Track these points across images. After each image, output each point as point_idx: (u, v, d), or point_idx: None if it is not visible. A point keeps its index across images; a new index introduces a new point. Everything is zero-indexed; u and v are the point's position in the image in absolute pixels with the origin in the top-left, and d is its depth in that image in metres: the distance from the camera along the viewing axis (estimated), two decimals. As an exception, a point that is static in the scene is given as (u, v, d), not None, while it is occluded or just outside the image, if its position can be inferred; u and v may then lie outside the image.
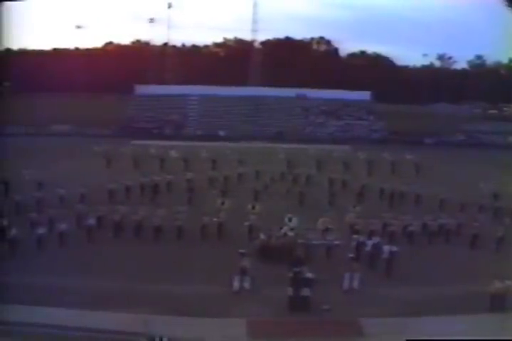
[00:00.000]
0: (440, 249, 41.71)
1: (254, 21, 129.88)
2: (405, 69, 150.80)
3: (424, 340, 26.97)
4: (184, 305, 30.98)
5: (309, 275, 31.56)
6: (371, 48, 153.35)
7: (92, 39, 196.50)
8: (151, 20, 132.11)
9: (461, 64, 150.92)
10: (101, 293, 32.19)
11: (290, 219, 44.32)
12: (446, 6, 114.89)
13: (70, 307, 29.84)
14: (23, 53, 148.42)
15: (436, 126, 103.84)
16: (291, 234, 41.20)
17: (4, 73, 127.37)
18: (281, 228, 42.26)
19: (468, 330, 27.53)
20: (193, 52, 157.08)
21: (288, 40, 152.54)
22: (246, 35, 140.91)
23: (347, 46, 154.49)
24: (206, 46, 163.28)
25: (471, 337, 25.90)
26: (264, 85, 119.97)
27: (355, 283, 33.80)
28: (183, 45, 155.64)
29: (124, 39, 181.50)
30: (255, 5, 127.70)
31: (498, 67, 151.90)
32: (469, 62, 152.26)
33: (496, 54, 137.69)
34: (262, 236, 40.63)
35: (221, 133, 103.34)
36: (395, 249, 37.29)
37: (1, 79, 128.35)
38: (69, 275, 34.52)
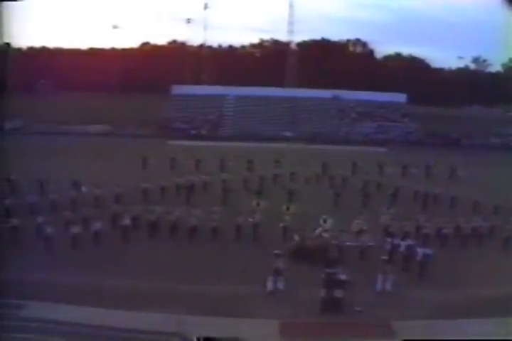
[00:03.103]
0: (473, 251, 41.69)
1: (290, 22, 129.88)
2: (440, 72, 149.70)
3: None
4: (218, 305, 31.33)
5: (342, 276, 31.77)
6: (407, 50, 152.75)
7: (128, 39, 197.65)
8: (188, 21, 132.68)
9: (495, 67, 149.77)
10: (135, 292, 32.64)
11: (325, 221, 44.47)
12: (481, 8, 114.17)
13: (103, 306, 30.35)
14: (61, 52, 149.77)
15: (470, 129, 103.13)
16: (325, 235, 41.47)
17: (41, 71, 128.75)
18: (315, 229, 42.60)
19: (499, 333, 27.58)
20: (230, 52, 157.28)
21: (324, 41, 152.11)
22: (282, 36, 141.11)
23: (383, 48, 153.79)
24: (242, 47, 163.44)
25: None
26: (299, 86, 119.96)
27: (388, 285, 33.97)
28: (220, 46, 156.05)
29: (161, 39, 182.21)
30: (291, 6, 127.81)
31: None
32: (504, 65, 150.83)
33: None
34: (296, 237, 40.96)
35: (256, 134, 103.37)
36: (428, 251, 37.39)
37: (38, 77, 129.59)
38: (103, 274, 35.13)
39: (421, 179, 64.07)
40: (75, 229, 41.19)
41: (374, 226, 44.33)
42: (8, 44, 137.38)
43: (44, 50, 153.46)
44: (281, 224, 44.19)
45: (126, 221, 44.09)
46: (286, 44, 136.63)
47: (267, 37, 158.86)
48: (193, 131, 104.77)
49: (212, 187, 59.03)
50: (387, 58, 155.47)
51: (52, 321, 28.28)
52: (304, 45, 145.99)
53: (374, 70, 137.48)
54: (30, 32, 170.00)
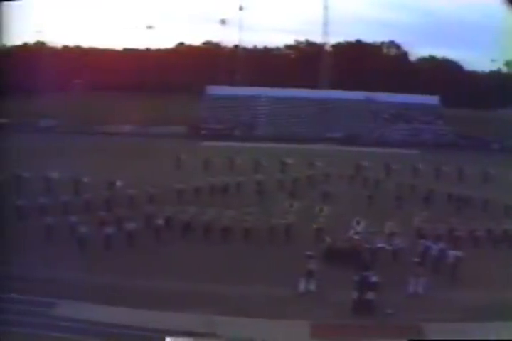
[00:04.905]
0: (505, 254, 41.56)
1: (325, 24, 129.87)
2: (473, 74, 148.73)
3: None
4: (250, 306, 31.56)
5: (374, 278, 31.92)
6: (440, 53, 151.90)
7: (163, 40, 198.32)
8: (223, 22, 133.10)
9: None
10: (167, 293, 32.92)
11: (358, 223, 44.58)
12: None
13: (135, 306, 30.67)
14: (95, 52, 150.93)
15: (503, 131, 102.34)
16: (357, 237, 41.60)
17: (74, 71, 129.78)
18: (348, 231, 42.76)
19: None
20: (264, 54, 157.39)
21: (358, 43, 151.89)
22: (316, 38, 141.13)
23: (416, 50, 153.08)
24: (277, 48, 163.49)
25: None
26: (333, 88, 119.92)
27: (420, 288, 34.02)
28: (254, 47, 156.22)
29: (196, 40, 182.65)
30: (326, 7, 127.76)
31: None
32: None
33: None
34: (328, 239, 41.12)
35: (290, 135, 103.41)
36: (460, 254, 37.36)
37: (72, 76, 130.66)
38: (135, 274, 35.55)
39: (454, 181, 63.83)
40: (109, 229, 41.50)
41: (406, 229, 44.31)
42: (42, 43, 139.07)
43: (78, 49, 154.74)
44: (314, 226, 44.31)
45: (160, 221, 44.35)
46: (321, 46, 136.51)
47: (301, 38, 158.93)
48: (227, 132, 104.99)
49: (246, 188, 59.40)
50: (421, 60, 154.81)
51: (83, 320, 28.66)
52: (338, 47, 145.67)
53: (407, 72, 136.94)
54: (64, 31, 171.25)
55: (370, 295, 31.14)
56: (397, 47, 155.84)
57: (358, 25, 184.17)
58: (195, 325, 28.35)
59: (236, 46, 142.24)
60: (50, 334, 27.09)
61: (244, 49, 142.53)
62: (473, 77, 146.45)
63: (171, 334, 26.87)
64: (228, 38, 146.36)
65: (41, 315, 29.25)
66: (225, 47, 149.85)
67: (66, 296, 31.48)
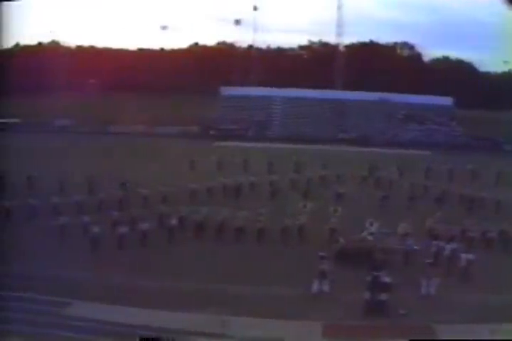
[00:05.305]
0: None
1: (339, 24, 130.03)
2: (486, 75, 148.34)
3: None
4: (262, 306, 31.49)
5: (387, 279, 31.96)
6: (454, 54, 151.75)
7: (177, 40, 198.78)
8: (237, 22, 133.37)
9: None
10: (180, 293, 32.91)
11: (371, 224, 44.57)
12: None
13: (148, 306, 30.65)
14: (109, 52, 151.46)
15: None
16: (370, 238, 41.64)
17: (88, 71, 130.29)
18: (361, 232, 42.80)
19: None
20: (278, 54, 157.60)
21: (372, 44, 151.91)
22: (330, 38, 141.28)
23: (430, 51, 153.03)
24: (291, 49, 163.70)
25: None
26: (347, 89, 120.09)
27: (433, 289, 34.01)
28: (268, 47, 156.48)
29: (210, 40, 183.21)
30: (339, 8, 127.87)
31: None
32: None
33: None
34: (342, 239, 41.16)
35: (303, 135, 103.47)
36: (473, 255, 37.31)
37: (87, 76, 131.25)
38: (148, 274, 35.60)
39: (467, 182, 63.79)
40: (122, 229, 41.55)
41: (419, 230, 44.27)
42: (57, 42, 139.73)
43: (92, 49, 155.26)
44: (327, 226, 44.33)
45: (173, 221, 44.36)
46: (335, 46, 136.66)
47: (315, 39, 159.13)
48: (241, 132, 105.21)
49: (259, 189, 59.56)
50: (435, 61, 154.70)
51: (95, 320, 28.67)
52: (351, 47, 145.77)
53: (421, 73, 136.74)
54: (79, 31, 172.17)
55: (382, 296, 31.13)
56: (411, 47, 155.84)
57: (372, 26, 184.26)
58: (208, 325, 28.36)
59: (250, 46, 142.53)
60: (63, 335, 27.10)
61: (259, 49, 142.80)
62: (487, 78, 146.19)
63: (183, 334, 27.26)
64: (242, 38, 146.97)
65: (54, 314, 29.30)
66: (239, 48, 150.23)
67: (78, 296, 31.56)
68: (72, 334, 26.91)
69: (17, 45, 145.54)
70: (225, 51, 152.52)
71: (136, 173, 61.54)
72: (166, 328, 27.94)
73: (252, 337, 27.45)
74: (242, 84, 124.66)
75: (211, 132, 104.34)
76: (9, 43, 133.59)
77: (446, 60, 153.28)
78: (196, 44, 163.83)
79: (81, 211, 47.25)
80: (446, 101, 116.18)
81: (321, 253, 35.46)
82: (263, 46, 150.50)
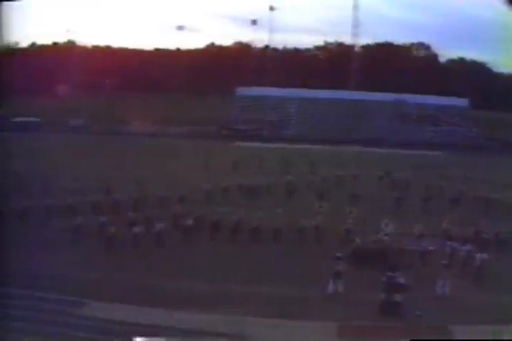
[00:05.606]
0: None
1: (354, 25, 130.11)
2: (501, 76, 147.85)
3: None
4: (278, 306, 31.52)
5: (402, 280, 32.07)
6: (470, 55, 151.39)
7: (193, 40, 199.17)
8: (253, 23, 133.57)
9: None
10: (195, 293, 32.86)
11: (387, 225, 44.70)
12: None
13: (163, 307, 30.65)
14: (124, 52, 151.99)
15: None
16: (386, 238, 41.75)
17: (105, 71, 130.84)
18: (377, 233, 42.92)
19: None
20: (294, 54, 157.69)
21: (388, 44, 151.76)
22: (346, 39, 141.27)
23: (445, 52, 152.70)
24: (307, 49, 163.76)
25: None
26: (362, 89, 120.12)
27: (448, 290, 34.06)
28: (284, 48, 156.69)
29: (226, 41, 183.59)
30: (355, 8, 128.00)
31: None
32: None
33: None
34: (358, 240, 41.28)
35: (319, 136, 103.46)
36: (487, 255, 37.38)
37: (103, 77, 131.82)
38: (163, 274, 35.59)
39: (481, 183, 63.79)
40: (138, 229, 41.56)
41: (435, 231, 44.35)
42: (73, 42, 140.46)
43: (108, 49, 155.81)
44: (343, 227, 44.46)
45: (189, 221, 44.40)
46: (350, 47, 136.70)
47: (331, 39, 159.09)
48: (256, 133, 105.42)
49: (276, 189, 59.72)
50: (450, 62, 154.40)
51: (110, 321, 28.87)
52: (367, 48, 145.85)
53: (436, 74, 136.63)
54: (95, 30, 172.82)
55: (397, 297, 31.20)
56: (427, 48, 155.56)
57: (388, 27, 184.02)
58: (222, 326, 28.44)
59: (266, 47, 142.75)
60: (76, 334, 27.36)
61: (275, 50, 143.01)
62: (501, 78, 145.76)
63: (198, 334, 27.47)
64: (259, 38, 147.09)
65: (69, 314, 29.54)
66: (255, 48, 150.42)
67: (93, 296, 31.63)
68: (88, 335, 27.17)
69: (33, 44, 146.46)
70: (241, 51, 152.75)
71: (152, 174, 62.01)
72: (178, 328, 28.13)
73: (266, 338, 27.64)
74: (258, 85, 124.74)
75: (227, 132, 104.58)
76: (26, 43, 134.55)
77: (461, 60, 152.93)
78: (212, 44, 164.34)
79: (96, 211, 47.26)
80: (462, 102, 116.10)
81: (336, 254, 35.51)
82: (279, 46, 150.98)
